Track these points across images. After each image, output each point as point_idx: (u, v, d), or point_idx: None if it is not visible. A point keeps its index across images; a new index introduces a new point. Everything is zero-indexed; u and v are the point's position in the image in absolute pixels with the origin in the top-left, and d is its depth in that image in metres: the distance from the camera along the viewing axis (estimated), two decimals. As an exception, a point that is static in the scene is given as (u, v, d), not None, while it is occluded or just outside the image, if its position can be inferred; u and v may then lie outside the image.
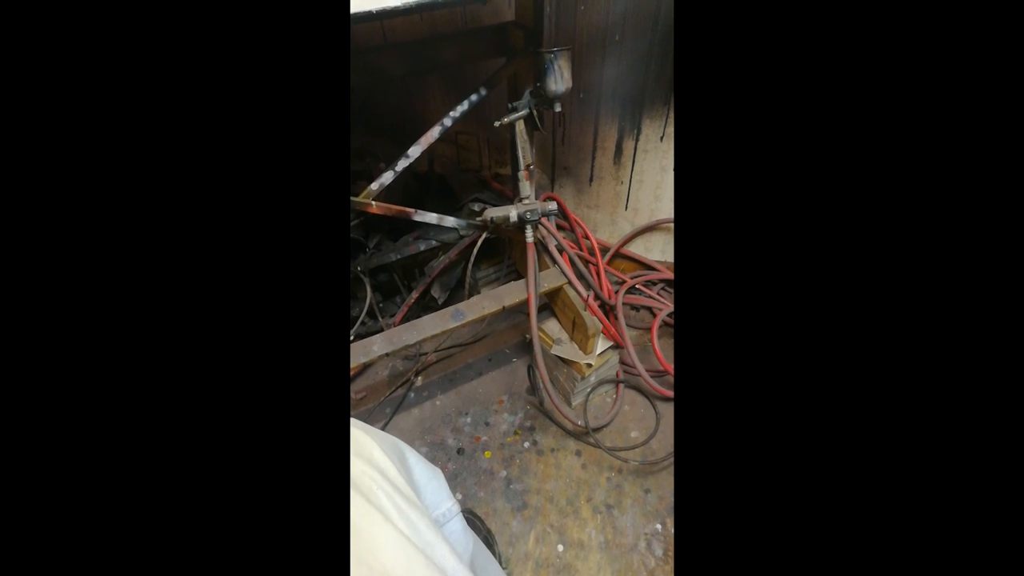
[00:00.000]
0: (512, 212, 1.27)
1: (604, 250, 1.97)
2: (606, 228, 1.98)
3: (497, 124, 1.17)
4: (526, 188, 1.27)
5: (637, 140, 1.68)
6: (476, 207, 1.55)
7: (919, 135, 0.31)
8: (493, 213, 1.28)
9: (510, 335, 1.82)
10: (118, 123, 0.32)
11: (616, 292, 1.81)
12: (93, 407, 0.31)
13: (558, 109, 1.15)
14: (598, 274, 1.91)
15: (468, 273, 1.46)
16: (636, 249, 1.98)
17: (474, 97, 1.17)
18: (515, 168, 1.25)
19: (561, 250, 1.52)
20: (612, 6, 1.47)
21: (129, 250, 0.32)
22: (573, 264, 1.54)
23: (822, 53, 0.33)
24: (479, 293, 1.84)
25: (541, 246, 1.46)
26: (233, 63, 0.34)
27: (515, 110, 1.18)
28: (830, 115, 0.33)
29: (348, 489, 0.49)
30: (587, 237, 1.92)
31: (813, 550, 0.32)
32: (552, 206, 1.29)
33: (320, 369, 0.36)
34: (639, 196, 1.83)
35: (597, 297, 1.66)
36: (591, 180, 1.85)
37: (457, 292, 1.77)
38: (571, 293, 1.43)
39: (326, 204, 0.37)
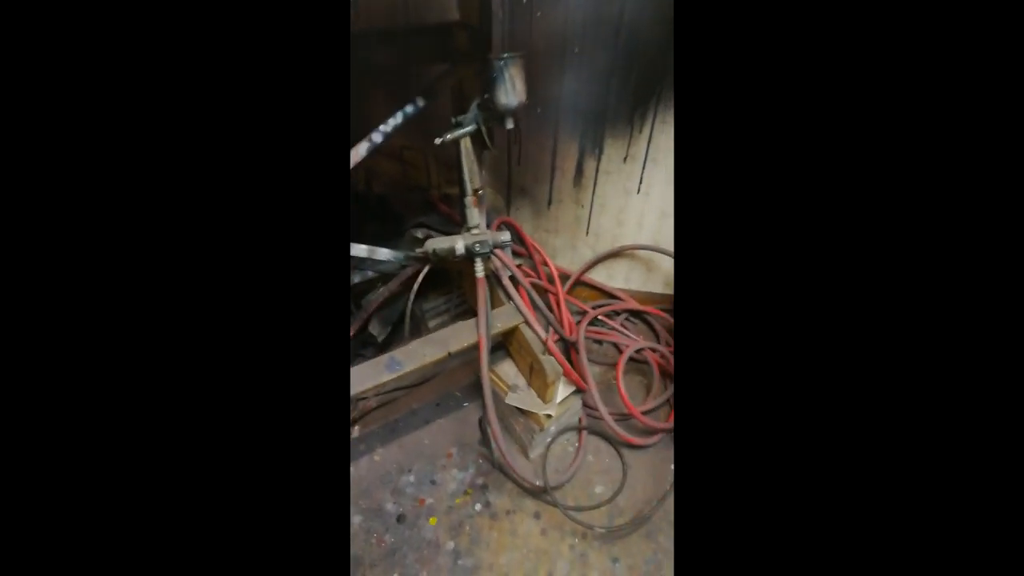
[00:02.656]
0: (458, 244, 1.09)
1: (564, 278, 1.82)
2: (566, 254, 1.83)
3: (439, 142, 0.99)
4: (474, 216, 1.09)
5: (599, 161, 1.54)
6: (419, 234, 1.36)
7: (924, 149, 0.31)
8: (436, 245, 1.09)
9: (461, 375, 1.62)
10: (121, 122, 0.32)
11: (577, 324, 1.65)
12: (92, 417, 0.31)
13: (510, 126, 0.98)
14: (558, 304, 1.75)
15: (409, 308, 1.26)
16: (598, 277, 1.84)
17: (409, 108, 0.98)
18: (462, 193, 1.07)
19: (516, 283, 1.35)
20: (571, 14, 1.33)
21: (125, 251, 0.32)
22: (530, 298, 1.37)
23: (825, 65, 0.33)
24: (426, 327, 1.63)
25: (494, 278, 1.28)
26: (236, 61, 0.34)
27: (460, 125, 1.00)
28: (834, 134, 0.33)
29: (348, 489, 0.49)
30: (546, 264, 1.76)
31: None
32: (504, 236, 1.11)
33: (320, 379, 0.37)
34: (600, 221, 1.69)
35: (557, 334, 1.50)
36: (550, 203, 1.70)
37: (400, 327, 1.56)
38: (528, 334, 1.26)
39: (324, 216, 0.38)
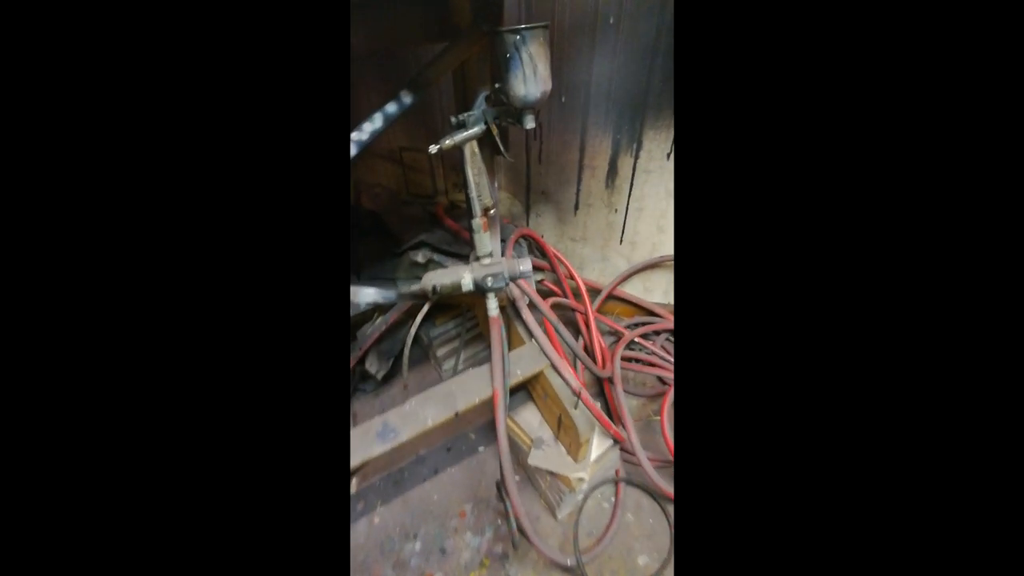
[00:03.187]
0: (466, 277, 0.85)
1: (593, 293, 1.57)
2: (595, 265, 1.58)
3: (434, 150, 0.74)
4: (485, 242, 0.84)
5: (637, 157, 1.28)
6: (420, 257, 1.12)
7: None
8: (438, 279, 0.85)
9: (476, 414, 1.40)
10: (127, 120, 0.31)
11: (611, 351, 1.41)
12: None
13: (530, 125, 0.73)
14: (587, 325, 1.51)
15: (409, 341, 1.03)
16: (633, 290, 1.58)
17: (392, 107, 0.74)
18: (470, 213, 0.83)
19: (531, 307, 1.11)
20: (604, -25, 1.06)
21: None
22: (557, 333, 1.12)
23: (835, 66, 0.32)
24: (434, 355, 1.41)
25: (512, 310, 1.04)
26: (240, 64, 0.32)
27: (462, 126, 0.75)
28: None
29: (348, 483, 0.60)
30: (571, 277, 1.51)
31: None
32: (524, 266, 0.87)
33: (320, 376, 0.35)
34: (638, 227, 1.43)
35: (587, 368, 1.26)
36: (577, 207, 1.44)
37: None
38: (555, 380, 1.02)
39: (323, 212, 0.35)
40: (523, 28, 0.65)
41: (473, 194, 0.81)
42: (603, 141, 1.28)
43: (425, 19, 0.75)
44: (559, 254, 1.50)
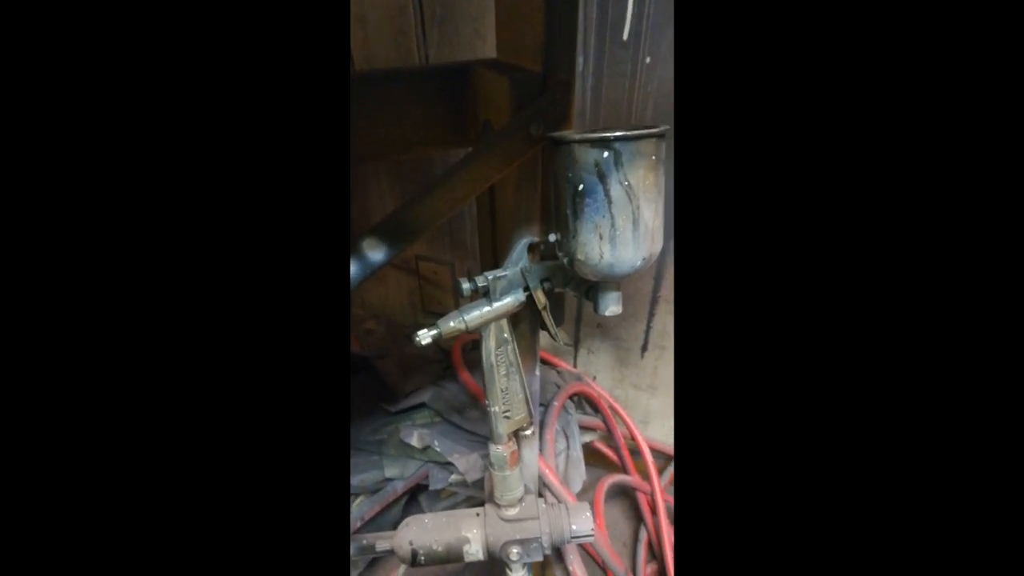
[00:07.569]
0: (473, 537, 0.47)
1: (661, 459, 1.14)
2: (665, 423, 1.16)
3: (424, 339, 0.40)
4: (510, 485, 0.47)
5: (737, 294, 0.91)
6: (414, 439, 0.75)
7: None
8: (420, 538, 0.48)
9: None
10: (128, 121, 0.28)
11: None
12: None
13: (613, 310, 0.39)
14: (652, 510, 1.07)
15: None
16: (717, 459, 1.15)
17: (353, 269, 0.41)
18: (491, 434, 0.47)
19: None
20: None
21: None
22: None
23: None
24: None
25: (554, 557, 0.64)
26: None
27: (483, 297, 0.42)
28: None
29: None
30: (632, 437, 1.10)
31: None
32: (580, 524, 0.48)
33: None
34: (730, 380, 1.03)
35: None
36: (645, 348, 1.07)
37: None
38: None
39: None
40: (618, 136, 0.31)
41: (496, 407, 0.45)
42: (690, 270, 0.92)
43: (436, 110, 0.43)
44: (616, 405, 1.11)
